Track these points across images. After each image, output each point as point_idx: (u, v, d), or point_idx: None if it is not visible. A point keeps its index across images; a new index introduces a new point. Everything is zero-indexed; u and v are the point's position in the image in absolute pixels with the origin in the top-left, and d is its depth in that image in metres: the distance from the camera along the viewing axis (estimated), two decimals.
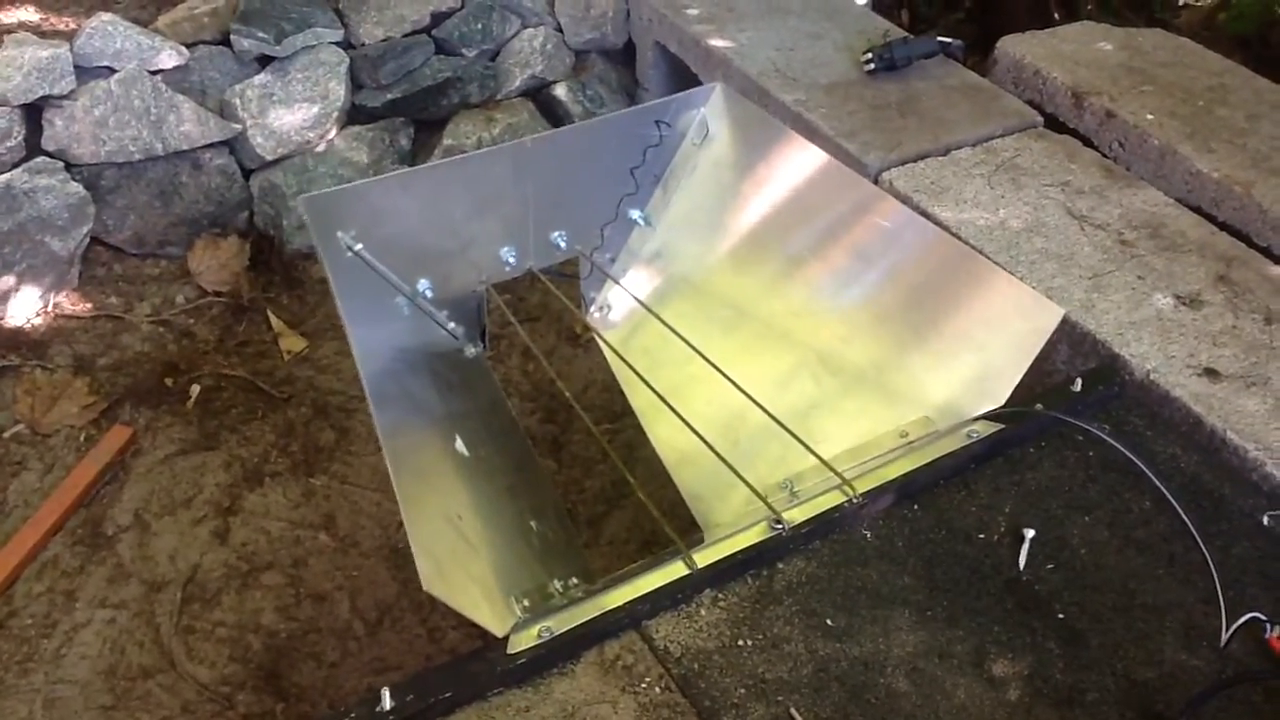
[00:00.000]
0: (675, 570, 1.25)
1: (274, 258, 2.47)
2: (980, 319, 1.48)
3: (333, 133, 2.46)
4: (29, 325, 2.28)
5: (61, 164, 2.23)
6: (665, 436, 1.71)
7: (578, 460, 2.14)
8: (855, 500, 1.34)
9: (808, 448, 1.38)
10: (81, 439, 2.09)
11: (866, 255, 1.58)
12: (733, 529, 1.32)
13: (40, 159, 2.20)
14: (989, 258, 1.75)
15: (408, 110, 2.55)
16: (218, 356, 2.27)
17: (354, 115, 2.50)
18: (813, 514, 1.33)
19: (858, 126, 2.22)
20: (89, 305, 2.33)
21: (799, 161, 1.63)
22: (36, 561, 1.90)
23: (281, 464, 2.08)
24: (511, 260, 1.66)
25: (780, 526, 1.30)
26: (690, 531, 1.57)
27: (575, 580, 1.42)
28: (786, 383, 1.66)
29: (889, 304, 1.57)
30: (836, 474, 1.35)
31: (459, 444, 1.44)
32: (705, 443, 1.45)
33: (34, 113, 2.19)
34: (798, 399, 1.62)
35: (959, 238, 1.83)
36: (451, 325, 1.66)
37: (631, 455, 2.14)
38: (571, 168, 1.65)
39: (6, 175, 2.15)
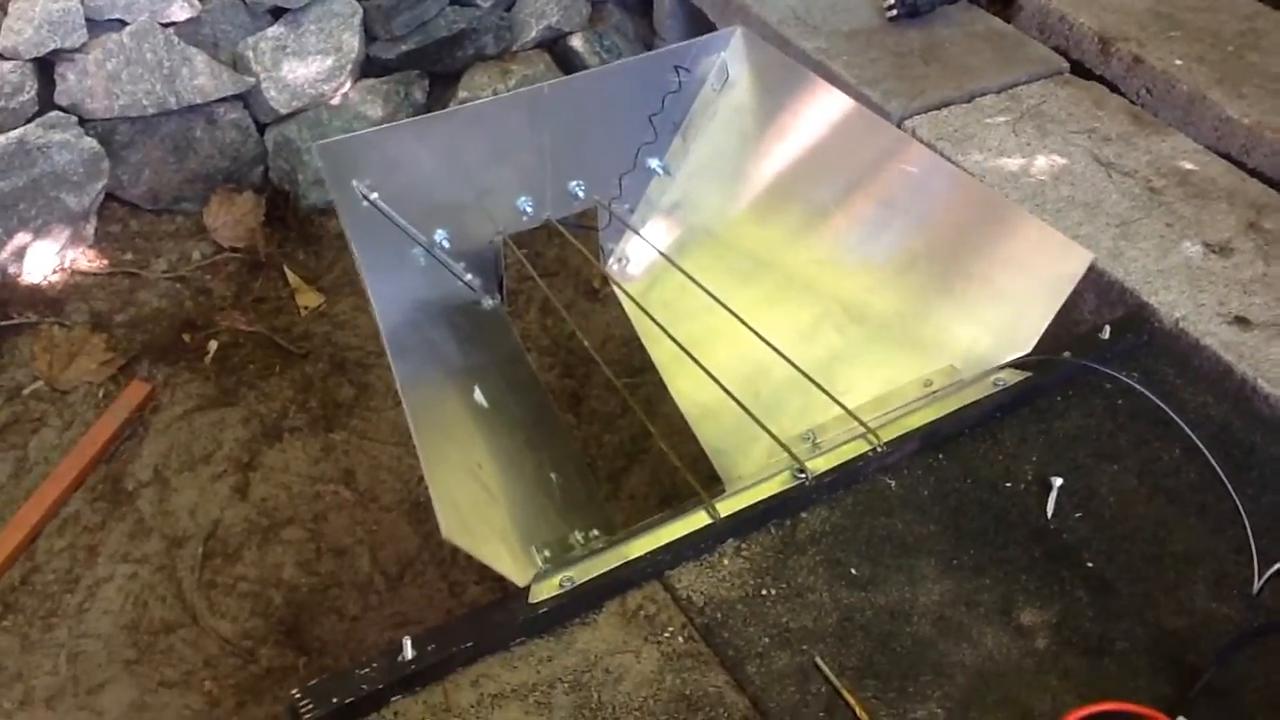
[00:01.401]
0: (698, 520, 1.24)
1: (289, 213, 2.45)
2: (1007, 265, 1.46)
3: (347, 86, 2.43)
4: (45, 282, 2.27)
5: (75, 119, 2.21)
6: (686, 390, 1.70)
7: (597, 415, 2.13)
8: (879, 449, 1.32)
9: (832, 397, 1.36)
10: (100, 395, 2.08)
11: (892, 202, 1.55)
12: (755, 479, 1.31)
13: (53, 114, 2.19)
14: None
15: (422, 62, 2.52)
16: (234, 312, 2.26)
17: (368, 68, 2.48)
18: (836, 463, 1.31)
19: (880, 74, 2.18)
20: (105, 262, 2.32)
21: (822, 107, 1.60)
22: (58, 518, 1.90)
23: (300, 419, 2.08)
24: (529, 210, 1.63)
25: (804, 475, 1.28)
26: (711, 485, 1.56)
27: (596, 532, 1.41)
28: (810, 334, 1.63)
29: (914, 251, 1.54)
30: (860, 423, 1.33)
31: (478, 395, 1.42)
32: (729, 394, 1.43)
33: (46, 67, 2.17)
34: (821, 350, 1.60)
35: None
36: (469, 277, 1.65)
37: (651, 410, 2.12)
38: (589, 115, 1.62)
39: (20, 130, 2.13)
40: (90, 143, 2.23)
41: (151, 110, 2.26)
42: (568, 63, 2.68)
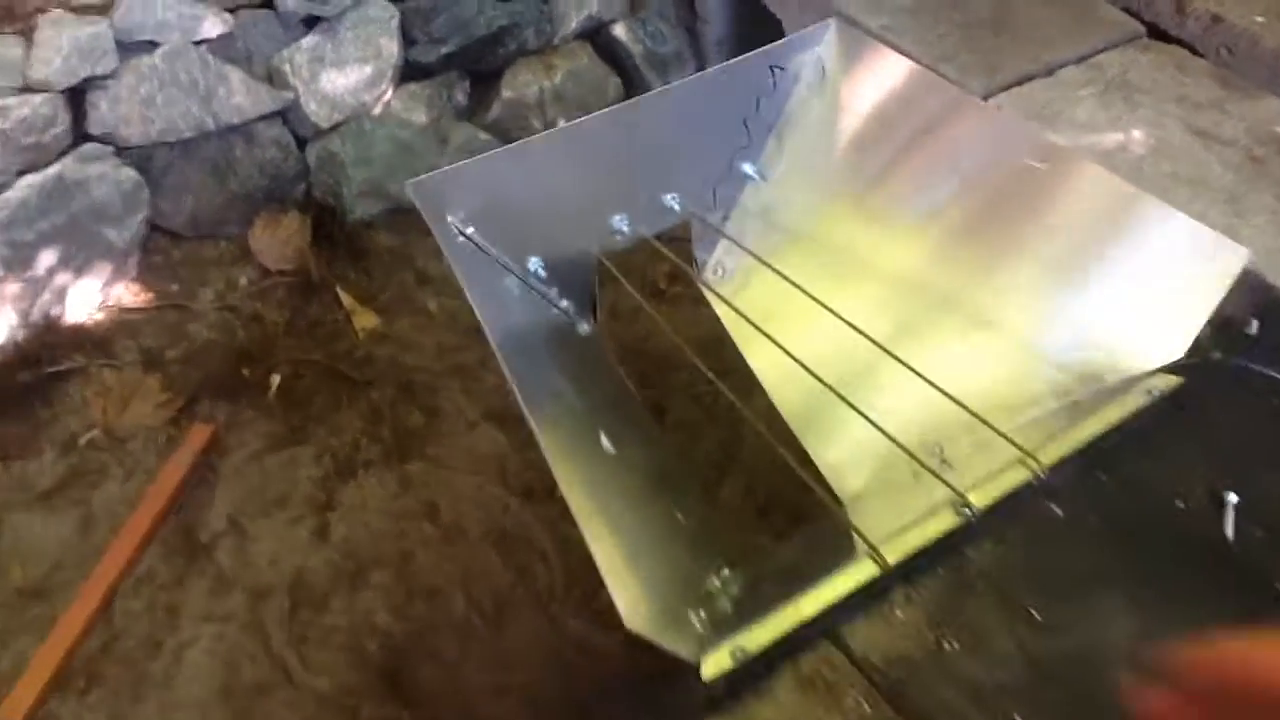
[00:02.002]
0: (863, 569, 1.14)
1: (336, 230, 2.34)
2: (1153, 264, 1.35)
3: (388, 93, 2.32)
4: (91, 322, 2.17)
5: (111, 148, 2.10)
6: (791, 401, 1.61)
7: (683, 425, 2.03)
8: (1042, 476, 1.22)
9: (987, 424, 1.26)
10: (161, 440, 1.99)
11: (1015, 201, 1.45)
12: (911, 515, 1.21)
13: (88, 145, 2.08)
14: None
15: (463, 63, 2.41)
16: (290, 340, 2.16)
17: (408, 73, 2.36)
18: (999, 495, 1.22)
19: (951, 49, 2.07)
20: (150, 295, 2.22)
21: (930, 100, 1.49)
22: (131, 576, 1.81)
23: (373, 452, 1.98)
24: (624, 229, 1.54)
25: (969, 512, 1.19)
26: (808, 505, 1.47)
27: (727, 571, 1.33)
28: (921, 337, 1.54)
29: (1043, 253, 1.44)
30: (1022, 450, 1.23)
31: (605, 441, 1.33)
32: (852, 406, 1.33)
33: (77, 96, 2.05)
34: (935, 355, 1.51)
35: None
36: (564, 303, 1.55)
37: (737, 417, 2.04)
38: (683, 125, 1.52)
39: (57, 166, 2.02)
40: (129, 173, 2.12)
41: (189, 133, 2.15)
42: (611, 53, 2.56)
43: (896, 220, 1.56)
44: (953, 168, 1.51)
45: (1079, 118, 1.87)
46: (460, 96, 2.44)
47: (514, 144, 1.44)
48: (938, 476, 1.23)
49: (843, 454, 1.57)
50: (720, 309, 1.68)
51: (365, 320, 2.19)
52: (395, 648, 1.72)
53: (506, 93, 2.40)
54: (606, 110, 1.57)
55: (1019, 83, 1.97)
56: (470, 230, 1.39)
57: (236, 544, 1.85)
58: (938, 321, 1.53)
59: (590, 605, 1.78)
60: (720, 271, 1.69)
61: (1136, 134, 1.85)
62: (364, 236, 2.36)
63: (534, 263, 1.48)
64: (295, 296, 2.25)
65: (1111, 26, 2.13)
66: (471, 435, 2.01)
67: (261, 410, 2.03)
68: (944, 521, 1.21)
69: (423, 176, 1.38)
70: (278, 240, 2.28)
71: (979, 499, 1.23)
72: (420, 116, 2.34)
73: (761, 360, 1.66)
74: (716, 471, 1.98)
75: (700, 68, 2.61)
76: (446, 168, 1.51)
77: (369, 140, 2.31)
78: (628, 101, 1.45)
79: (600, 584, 1.81)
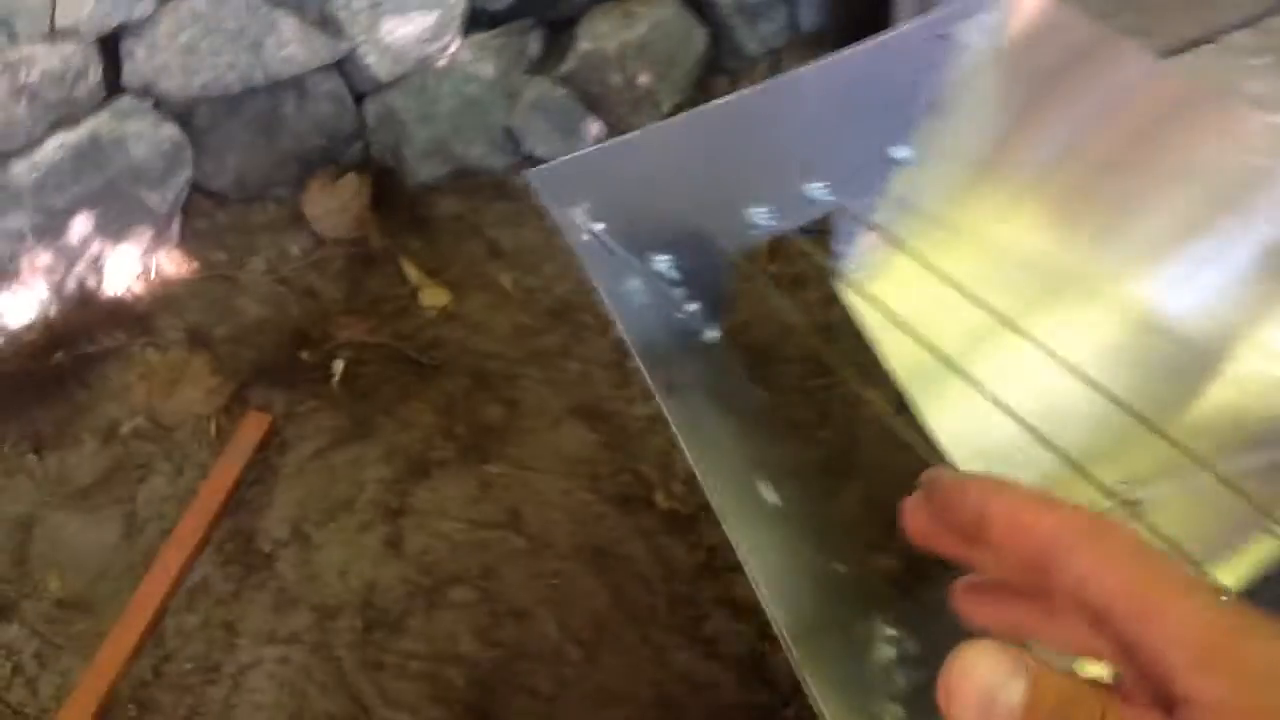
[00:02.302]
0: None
1: (397, 194, 2.12)
2: None
3: (454, 44, 2.09)
4: (131, 296, 1.96)
5: (149, 102, 1.88)
6: (951, 424, 1.41)
7: (791, 426, 1.84)
8: None
9: (1228, 484, 1.06)
10: (212, 431, 1.79)
11: (1239, 203, 1.23)
12: None
13: (124, 100, 1.85)
14: None
15: (534, 9, 2.16)
16: (350, 318, 1.95)
17: (475, 21, 2.12)
18: (1249, 572, 1.02)
19: (1108, 7, 1.83)
20: (195, 265, 2.01)
21: (1128, 75, 1.27)
22: (183, 588, 1.63)
23: (448, 450, 1.79)
24: (764, 221, 1.32)
25: (1225, 599, 0.99)
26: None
27: (892, 631, 1.13)
28: (1114, 360, 1.34)
29: (1261, 263, 1.23)
30: (1269, 517, 1.03)
31: (763, 489, 1.13)
32: (1050, 444, 1.13)
33: (110, 44, 1.83)
34: (1135, 382, 1.31)
35: None
36: (692, 308, 1.34)
37: (853, 417, 1.84)
38: (832, 105, 1.29)
39: (90, 123, 1.80)
40: (170, 130, 1.90)
41: (235, 86, 1.92)
42: (697, 1, 2.32)
43: (1080, 219, 1.35)
44: (1154, 159, 1.29)
45: (1257, 91, 1.65)
46: (534, 47, 2.20)
47: (645, 129, 1.23)
48: (1174, 547, 1.04)
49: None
50: (863, 313, 1.48)
51: (434, 297, 1.98)
52: (482, 679, 1.54)
53: (584, 44, 2.16)
54: (747, 91, 1.35)
55: (1181, 49, 1.74)
56: (600, 226, 1.18)
57: (300, 553, 1.66)
58: (1130, 345, 1.32)
59: (696, 632, 1.60)
60: (863, 266, 1.48)
61: None
62: (428, 202, 2.14)
63: (662, 261, 1.27)
64: (354, 268, 2.04)
65: None
66: (556, 432, 1.81)
67: (323, 399, 1.83)
68: None
69: (544, 166, 1.16)
70: (333, 205, 2.06)
71: (1230, 578, 1.03)
72: (489, 69, 2.11)
73: (910, 372, 1.46)
74: (832, 479, 1.78)
75: (793, 17, 2.37)
76: (570, 155, 1.29)
77: (433, 95, 2.08)
78: (770, 80, 1.23)
79: (706, 610, 1.61)
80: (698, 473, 0.92)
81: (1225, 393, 1.25)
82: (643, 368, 1.02)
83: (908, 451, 1.44)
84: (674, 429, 0.96)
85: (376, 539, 1.68)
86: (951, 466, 1.38)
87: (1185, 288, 1.29)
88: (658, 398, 1.02)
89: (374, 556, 1.66)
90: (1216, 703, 0.30)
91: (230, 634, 1.58)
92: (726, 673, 1.57)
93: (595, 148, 1.23)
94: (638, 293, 1.32)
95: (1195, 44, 1.75)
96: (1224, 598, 0.33)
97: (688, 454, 0.97)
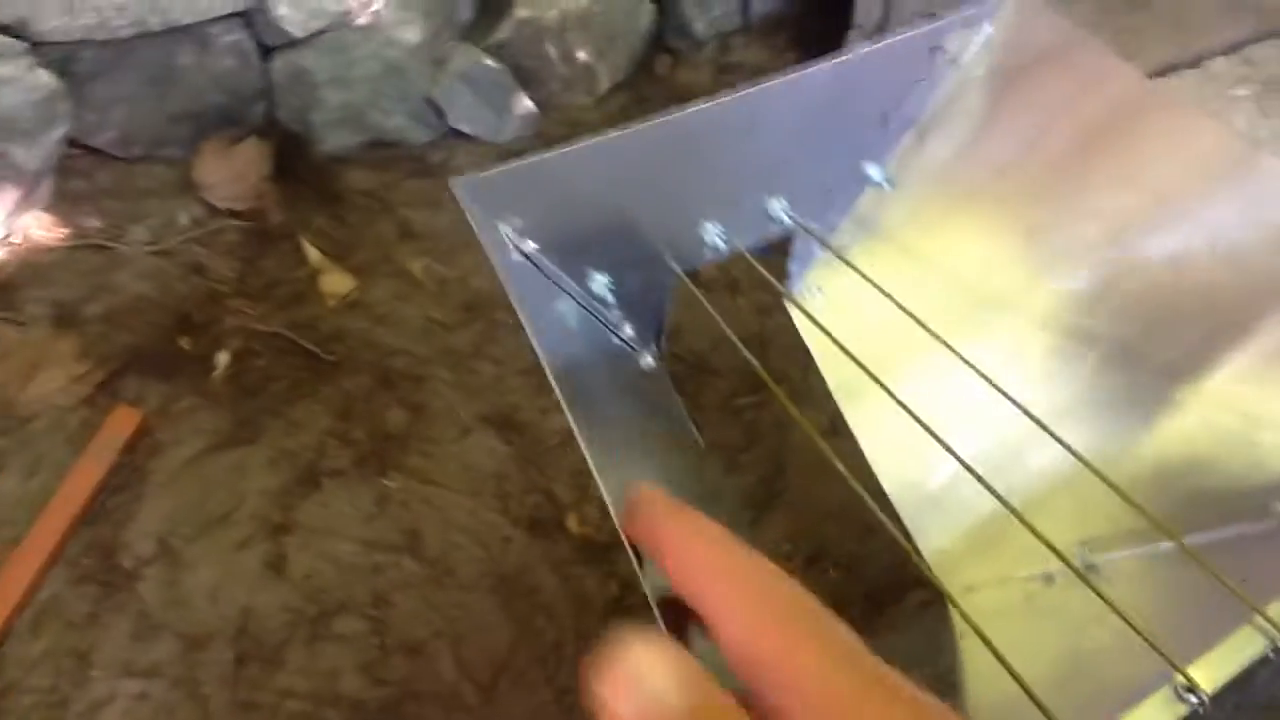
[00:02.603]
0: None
1: (302, 164, 1.92)
2: None
3: (378, 1, 1.88)
4: None
5: (23, 45, 1.65)
6: (890, 467, 1.29)
7: (716, 448, 1.69)
8: None
9: (1199, 559, 0.94)
10: (74, 425, 1.59)
11: (1233, 243, 1.11)
12: (1115, 699, 0.89)
13: None
14: None
15: None
16: (241, 302, 1.76)
17: None
18: (1230, 673, 0.91)
19: (1084, 27, 1.71)
20: (67, 231, 1.79)
21: (1124, 99, 1.14)
22: (29, 608, 1.43)
23: (342, 459, 1.61)
24: (717, 241, 1.16)
25: (1196, 699, 0.87)
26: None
27: None
28: (1073, 408, 1.22)
29: (1264, 316, 1.11)
30: (1255, 608, 0.91)
31: None
32: (997, 495, 1.00)
33: None
34: (1095, 435, 1.19)
35: None
36: (628, 332, 1.18)
37: (781, 440, 1.70)
38: (808, 118, 1.14)
39: None
40: (46, 77, 1.67)
41: (125, 30, 1.70)
42: None
43: (1064, 250, 1.22)
44: (1145, 190, 1.17)
45: (1237, 125, 1.54)
46: (464, 12, 2.01)
47: (593, 141, 1.06)
48: (1146, 639, 0.91)
49: (958, 539, 1.26)
50: (811, 337, 1.34)
51: (336, 284, 1.79)
52: None
53: (520, 11, 1.97)
54: (719, 101, 1.19)
55: (1161, 73, 1.63)
56: (530, 246, 1.01)
57: (167, 572, 1.47)
58: (1098, 387, 1.20)
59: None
60: (818, 293, 1.33)
61: None
62: (336, 175, 1.94)
63: (600, 282, 1.11)
64: (249, 245, 1.83)
65: (1264, 13, 1.79)
66: (464, 443, 1.64)
67: (203, 395, 1.64)
68: (1162, 715, 0.89)
69: (471, 176, 0.99)
70: (230, 172, 1.85)
71: (1208, 681, 0.90)
72: (414, 33, 1.91)
73: (859, 409, 1.33)
74: (754, 510, 1.65)
75: (746, 2, 2.21)
76: (504, 167, 1.12)
77: (349, 57, 1.88)
78: (752, 89, 1.07)
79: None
80: (612, 512, 0.76)
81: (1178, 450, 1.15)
82: (562, 400, 0.85)
83: (839, 483, 1.28)
84: (590, 464, 0.80)
85: (255, 559, 1.49)
86: (889, 504, 1.24)
87: (1174, 342, 1.17)
88: (575, 433, 0.85)
89: (251, 579, 1.48)
90: None
91: (82, 664, 1.39)
92: None
93: (533, 159, 1.05)
94: (569, 315, 1.15)
95: (1174, 68, 1.64)
96: (870, 658, 0.34)
97: (602, 489, 0.81)
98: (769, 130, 1.11)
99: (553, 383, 0.82)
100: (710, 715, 0.31)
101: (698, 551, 0.37)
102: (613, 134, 0.97)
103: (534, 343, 0.84)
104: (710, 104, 1.06)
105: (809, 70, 1.14)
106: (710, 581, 0.36)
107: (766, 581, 0.35)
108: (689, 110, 1.06)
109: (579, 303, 1.11)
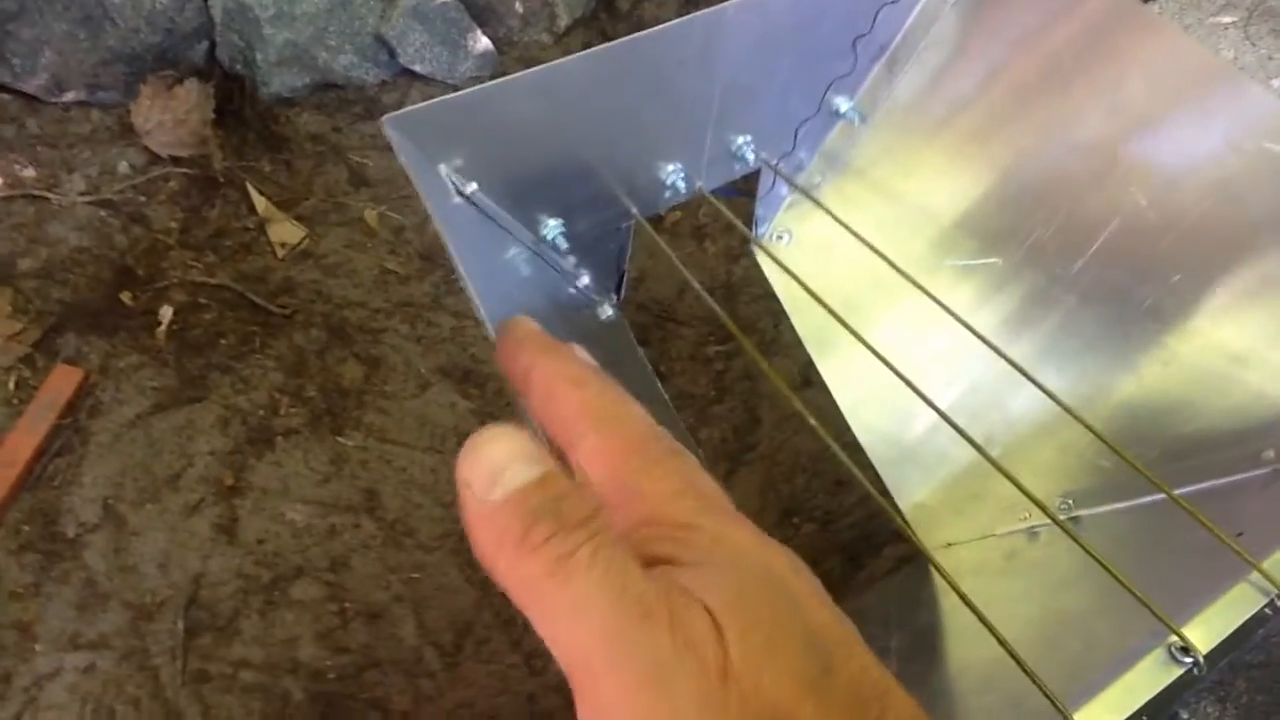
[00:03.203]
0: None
1: (247, 107, 1.83)
2: None
3: None
4: None
5: None
6: (869, 419, 1.24)
7: (688, 400, 1.64)
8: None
9: (1189, 509, 0.89)
10: (11, 386, 1.51)
11: (1231, 192, 1.05)
12: (1111, 665, 0.85)
13: None
14: None
15: None
16: (185, 254, 1.67)
17: None
18: (1226, 632, 0.86)
19: None
20: None
21: (1102, 23, 1.07)
22: None
23: (296, 416, 1.54)
24: (678, 183, 1.09)
25: (1191, 660, 0.83)
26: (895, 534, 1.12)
27: None
28: (1058, 353, 1.17)
29: (1261, 267, 1.06)
30: (1252, 563, 0.87)
31: None
32: (975, 446, 0.95)
33: None
34: (1077, 379, 1.14)
35: None
36: (584, 281, 1.12)
37: (753, 391, 1.65)
38: (774, 44, 1.06)
39: None
40: None
41: None
42: None
43: (1042, 186, 1.16)
44: (1137, 131, 1.10)
45: (1224, 55, 1.48)
46: None
47: (538, 69, 0.98)
48: (1150, 607, 0.87)
49: (937, 493, 1.23)
50: (780, 284, 1.28)
51: (285, 234, 1.71)
52: (325, 693, 1.33)
53: None
54: (671, 24, 1.11)
55: (1143, 2, 1.56)
56: (471, 188, 0.93)
57: (113, 539, 1.41)
58: (1081, 333, 1.15)
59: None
60: (785, 237, 1.27)
61: None
62: (283, 118, 1.85)
63: (552, 227, 1.04)
64: (193, 193, 1.75)
65: None
66: (423, 398, 1.58)
67: (147, 352, 1.56)
68: (1155, 677, 0.85)
69: (406, 111, 0.91)
70: (170, 116, 1.76)
71: (1203, 641, 0.86)
72: None
73: (832, 359, 1.27)
74: (729, 462, 1.59)
75: None
76: (439, 99, 1.03)
77: None
78: (711, 10, 0.99)
79: None
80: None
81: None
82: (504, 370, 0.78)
83: (814, 434, 1.23)
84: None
85: (206, 523, 1.43)
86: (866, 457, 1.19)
87: (1162, 289, 1.12)
88: (516, 408, 0.79)
89: (202, 544, 1.42)
90: (669, 559, 0.34)
91: (25, 637, 1.33)
92: None
93: (470, 90, 0.96)
94: (520, 263, 1.09)
95: None
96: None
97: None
98: (728, 59, 1.05)
99: (490, 334, 0.75)
100: (558, 485, 0.33)
101: (561, 394, 0.39)
102: (558, 62, 0.89)
103: (470, 293, 0.77)
104: (661, 28, 0.98)
105: None
106: (574, 429, 0.37)
107: (634, 424, 0.37)
108: (638, 35, 0.98)
109: (530, 249, 1.05)
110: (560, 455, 0.39)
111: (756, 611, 0.32)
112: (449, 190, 0.92)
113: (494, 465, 0.34)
